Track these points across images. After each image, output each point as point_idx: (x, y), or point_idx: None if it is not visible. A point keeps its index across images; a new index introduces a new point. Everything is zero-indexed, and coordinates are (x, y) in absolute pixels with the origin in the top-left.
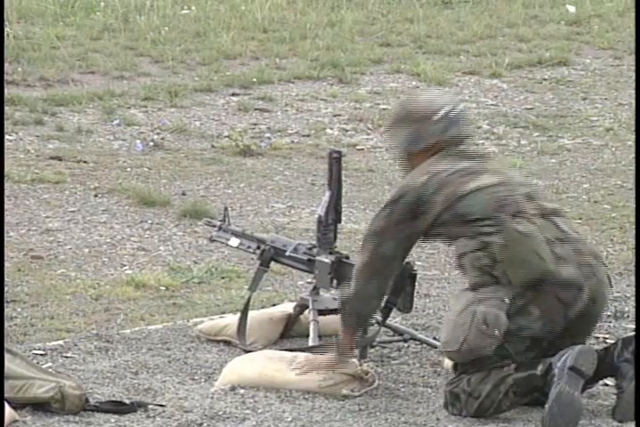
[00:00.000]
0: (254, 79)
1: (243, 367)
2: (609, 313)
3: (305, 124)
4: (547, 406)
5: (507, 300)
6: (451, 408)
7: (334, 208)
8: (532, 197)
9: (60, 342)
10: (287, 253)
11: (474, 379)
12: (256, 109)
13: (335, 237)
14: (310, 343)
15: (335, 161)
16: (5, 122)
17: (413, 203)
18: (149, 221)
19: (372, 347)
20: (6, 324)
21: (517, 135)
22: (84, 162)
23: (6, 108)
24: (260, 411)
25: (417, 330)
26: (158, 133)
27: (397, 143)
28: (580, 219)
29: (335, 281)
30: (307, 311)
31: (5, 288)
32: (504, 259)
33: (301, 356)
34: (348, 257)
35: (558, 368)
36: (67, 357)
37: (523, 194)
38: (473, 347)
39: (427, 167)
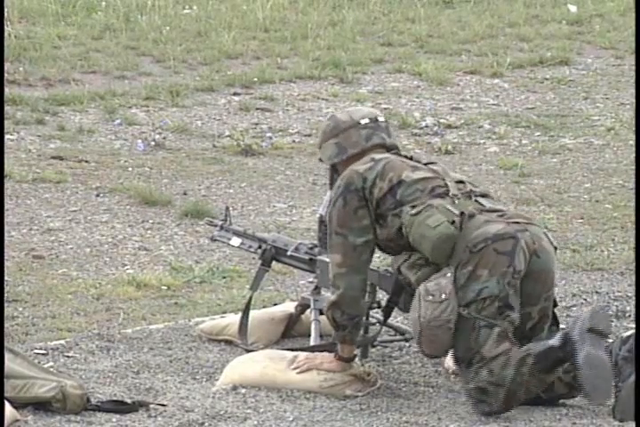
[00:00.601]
0: (255, 79)
1: (244, 367)
2: (610, 312)
3: (306, 124)
4: (579, 373)
5: (448, 274)
6: (480, 406)
7: None
8: (462, 181)
9: (62, 341)
10: (288, 253)
11: (494, 367)
12: (257, 109)
13: None
14: (312, 343)
15: None
16: (7, 121)
17: (362, 188)
18: (151, 221)
19: (374, 346)
20: (7, 323)
21: (519, 135)
22: (86, 161)
23: (8, 107)
24: (261, 411)
25: None
26: (160, 133)
27: (326, 157)
28: (581, 218)
29: None
30: (308, 311)
31: (7, 288)
32: (412, 239)
33: (302, 355)
34: None
35: (577, 334)
36: (68, 356)
37: (453, 179)
38: (431, 318)
39: (369, 156)
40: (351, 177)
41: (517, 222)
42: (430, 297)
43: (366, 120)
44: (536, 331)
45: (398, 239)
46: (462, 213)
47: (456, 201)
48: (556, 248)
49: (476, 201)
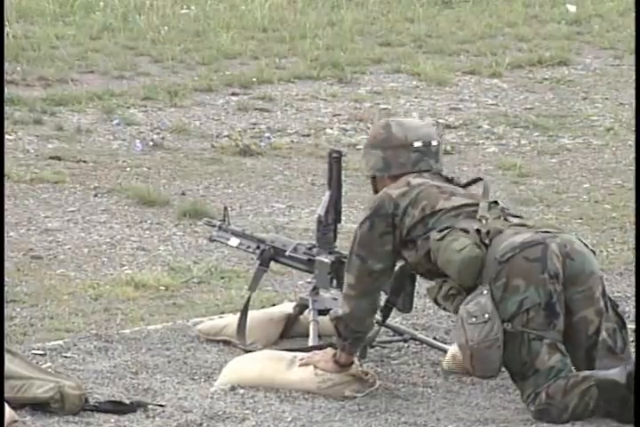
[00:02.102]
0: (254, 79)
1: (242, 367)
2: None
3: (305, 124)
4: None
5: (485, 291)
6: (545, 416)
7: (334, 208)
8: (496, 202)
9: (60, 342)
10: (287, 253)
11: (552, 391)
12: (256, 109)
13: (335, 237)
14: (310, 343)
15: (335, 161)
16: (5, 121)
17: (392, 214)
18: (149, 221)
19: (372, 347)
20: (6, 324)
21: (517, 135)
22: (84, 162)
23: (6, 107)
24: (259, 411)
25: (417, 330)
26: (158, 133)
27: (369, 166)
28: (580, 219)
29: (335, 281)
30: (307, 311)
31: (5, 288)
32: (440, 263)
33: (301, 355)
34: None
35: None
36: (66, 357)
37: (487, 201)
38: (479, 340)
39: (405, 179)
40: (383, 201)
41: (547, 231)
42: (473, 319)
43: (419, 144)
44: (598, 336)
45: (427, 263)
46: (489, 232)
47: (484, 221)
48: (593, 252)
49: (505, 219)
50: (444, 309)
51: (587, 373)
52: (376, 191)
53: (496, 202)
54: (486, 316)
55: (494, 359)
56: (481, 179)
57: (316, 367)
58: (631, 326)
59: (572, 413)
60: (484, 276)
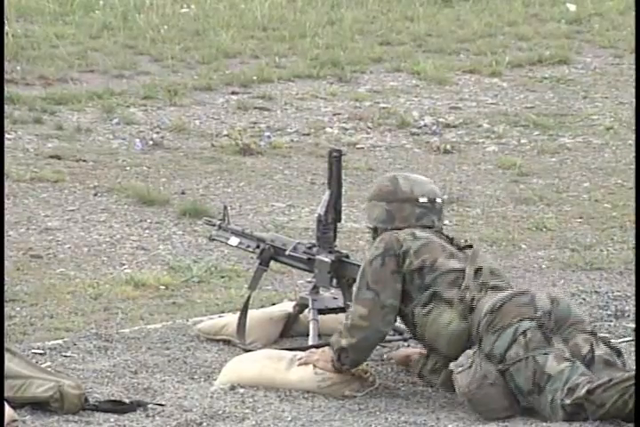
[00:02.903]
0: (254, 78)
1: (242, 367)
2: (609, 312)
3: (305, 123)
4: None
5: (472, 350)
6: (576, 417)
7: (334, 207)
8: (480, 268)
9: (60, 341)
10: (287, 253)
11: (593, 386)
12: (256, 108)
13: (335, 237)
14: (310, 342)
15: (335, 160)
16: (5, 120)
17: (403, 253)
18: (149, 220)
19: None
20: (5, 323)
21: (517, 134)
22: (84, 161)
23: (5, 106)
24: (259, 410)
25: None
26: (158, 132)
27: (372, 217)
28: (580, 218)
29: (335, 280)
30: (306, 311)
31: (5, 287)
32: (428, 337)
33: (300, 355)
34: (347, 256)
35: None
36: (66, 356)
37: (473, 267)
38: (468, 383)
39: (410, 230)
40: (391, 242)
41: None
42: (460, 368)
43: (424, 200)
44: (594, 353)
45: (411, 329)
46: (473, 298)
47: (467, 294)
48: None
49: (488, 287)
50: (429, 382)
51: (632, 373)
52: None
53: (480, 268)
54: (469, 360)
55: (492, 397)
56: (471, 246)
57: (315, 367)
58: (631, 324)
59: (608, 409)
60: (473, 339)
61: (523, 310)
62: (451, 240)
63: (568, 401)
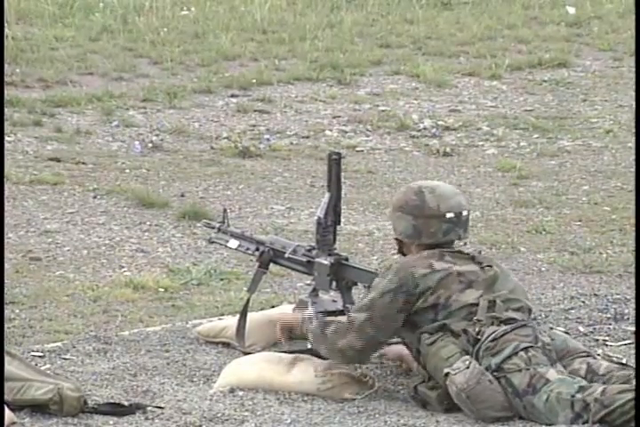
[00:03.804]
0: (253, 80)
1: (241, 369)
2: (609, 315)
3: (304, 126)
4: None
5: (467, 357)
6: (576, 421)
7: (333, 210)
8: (494, 301)
9: (59, 343)
10: (286, 255)
11: (610, 389)
12: (255, 111)
13: (334, 239)
14: (309, 346)
15: (334, 163)
16: (4, 123)
17: (412, 293)
18: (148, 223)
19: None
20: (5, 325)
21: (517, 137)
22: (83, 163)
23: (5, 109)
24: (258, 413)
25: None
26: (157, 135)
27: (398, 231)
28: (579, 221)
29: (334, 283)
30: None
31: (4, 290)
32: (428, 368)
33: (302, 358)
34: (347, 259)
35: None
36: (65, 358)
37: (487, 300)
38: (465, 381)
39: (429, 260)
40: (406, 278)
41: None
42: (456, 370)
43: (451, 215)
44: (595, 371)
45: (415, 355)
46: (479, 332)
47: (477, 329)
48: None
49: (500, 321)
50: (423, 398)
51: None
52: (401, 252)
53: (494, 301)
54: (466, 362)
55: (491, 393)
56: (491, 265)
57: (316, 370)
58: (631, 328)
59: (613, 410)
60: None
61: (523, 338)
62: (472, 258)
63: (580, 396)
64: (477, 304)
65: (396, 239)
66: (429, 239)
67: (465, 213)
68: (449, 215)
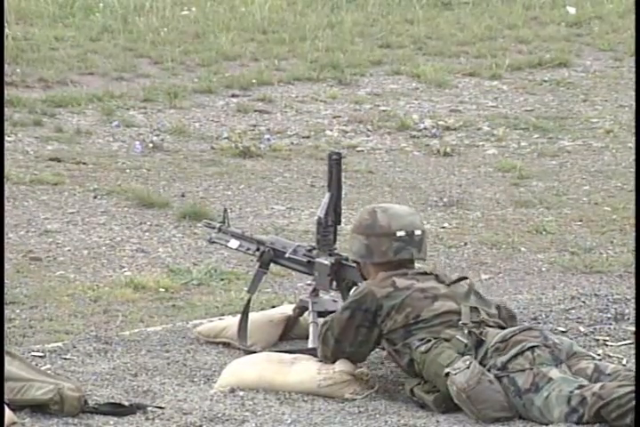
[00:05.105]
0: (254, 80)
1: (242, 369)
2: (609, 315)
3: (304, 126)
4: None
5: (467, 357)
6: (570, 417)
7: (334, 210)
8: (477, 308)
9: (59, 343)
10: (287, 255)
11: (610, 384)
12: (255, 111)
13: (335, 239)
14: (310, 345)
15: (335, 163)
16: (4, 123)
17: (374, 312)
18: (148, 223)
19: (372, 349)
20: (5, 325)
21: (517, 137)
22: (83, 163)
23: (5, 109)
24: (259, 413)
25: None
26: (157, 135)
27: (353, 250)
28: (580, 221)
29: (334, 283)
30: (306, 313)
31: (4, 290)
32: (427, 375)
33: (302, 357)
34: (347, 259)
35: None
36: (65, 358)
37: (469, 304)
38: (466, 380)
39: (391, 278)
40: (366, 296)
41: None
42: (457, 370)
43: (402, 233)
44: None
45: (410, 370)
46: (481, 333)
47: (466, 331)
48: None
49: (486, 325)
50: (420, 400)
51: None
52: (363, 276)
53: (476, 308)
54: (467, 362)
55: (491, 392)
56: (466, 278)
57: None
58: (631, 328)
59: (609, 402)
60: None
61: (533, 338)
62: (435, 276)
63: (578, 391)
64: (454, 312)
65: (355, 263)
66: (380, 258)
67: (418, 232)
68: (399, 233)
